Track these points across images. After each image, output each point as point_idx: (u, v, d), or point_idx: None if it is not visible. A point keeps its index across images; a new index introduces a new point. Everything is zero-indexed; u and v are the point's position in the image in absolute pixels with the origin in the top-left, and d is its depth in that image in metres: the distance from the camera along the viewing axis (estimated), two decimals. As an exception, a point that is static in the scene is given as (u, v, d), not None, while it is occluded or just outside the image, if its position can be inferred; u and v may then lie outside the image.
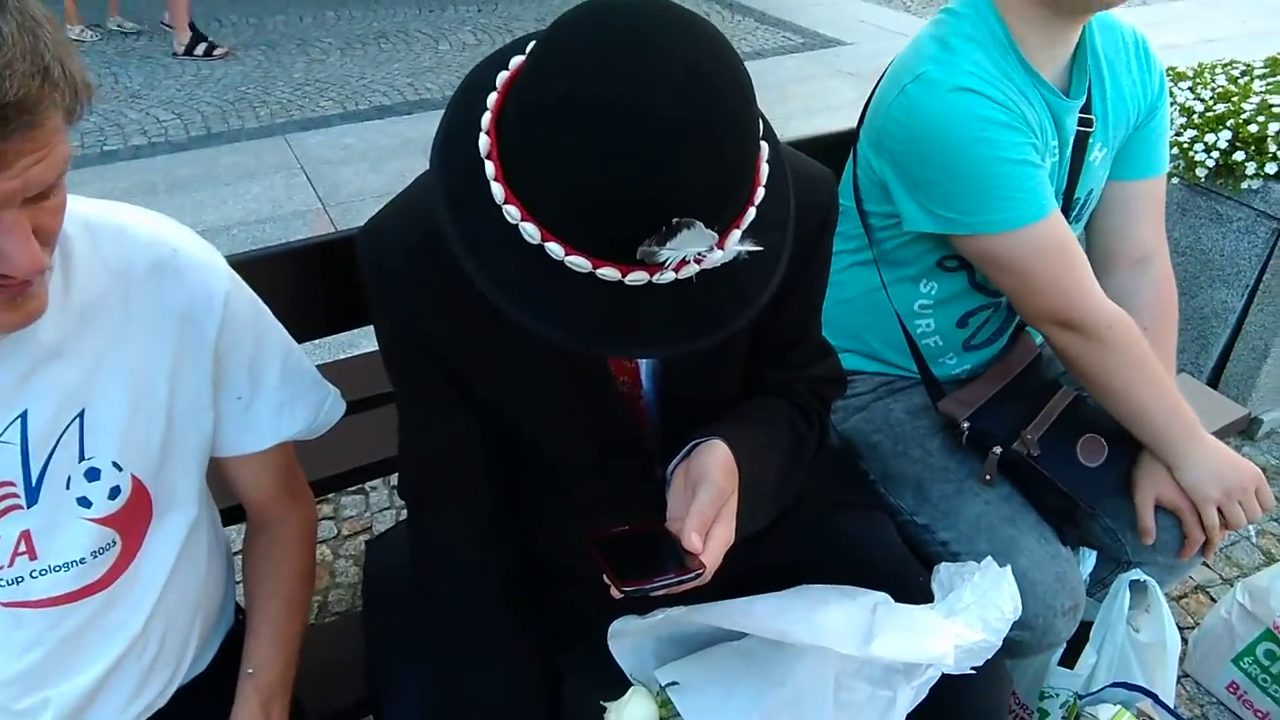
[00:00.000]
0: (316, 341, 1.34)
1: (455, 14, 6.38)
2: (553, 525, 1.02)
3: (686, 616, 0.92)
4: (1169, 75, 2.33)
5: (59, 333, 0.79)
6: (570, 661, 1.02)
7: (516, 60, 0.70)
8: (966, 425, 1.30)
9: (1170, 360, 1.35)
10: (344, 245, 1.23)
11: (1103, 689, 1.37)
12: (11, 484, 0.80)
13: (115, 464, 0.84)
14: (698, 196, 0.62)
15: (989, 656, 0.91)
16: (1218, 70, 2.47)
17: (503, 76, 0.69)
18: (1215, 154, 2.19)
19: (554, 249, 0.64)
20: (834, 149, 1.39)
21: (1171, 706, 1.35)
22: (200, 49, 5.28)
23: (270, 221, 3.60)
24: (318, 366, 1.05)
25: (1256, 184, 2.16)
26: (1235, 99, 2.25)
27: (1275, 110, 2.16)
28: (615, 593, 0.75)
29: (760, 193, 0.68)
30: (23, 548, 0.82)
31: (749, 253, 0.66)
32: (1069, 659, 1.39)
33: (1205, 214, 2.31)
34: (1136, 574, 1.32)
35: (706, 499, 0.80)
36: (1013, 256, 1.18)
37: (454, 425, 0.92)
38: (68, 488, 0.82)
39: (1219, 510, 1.23)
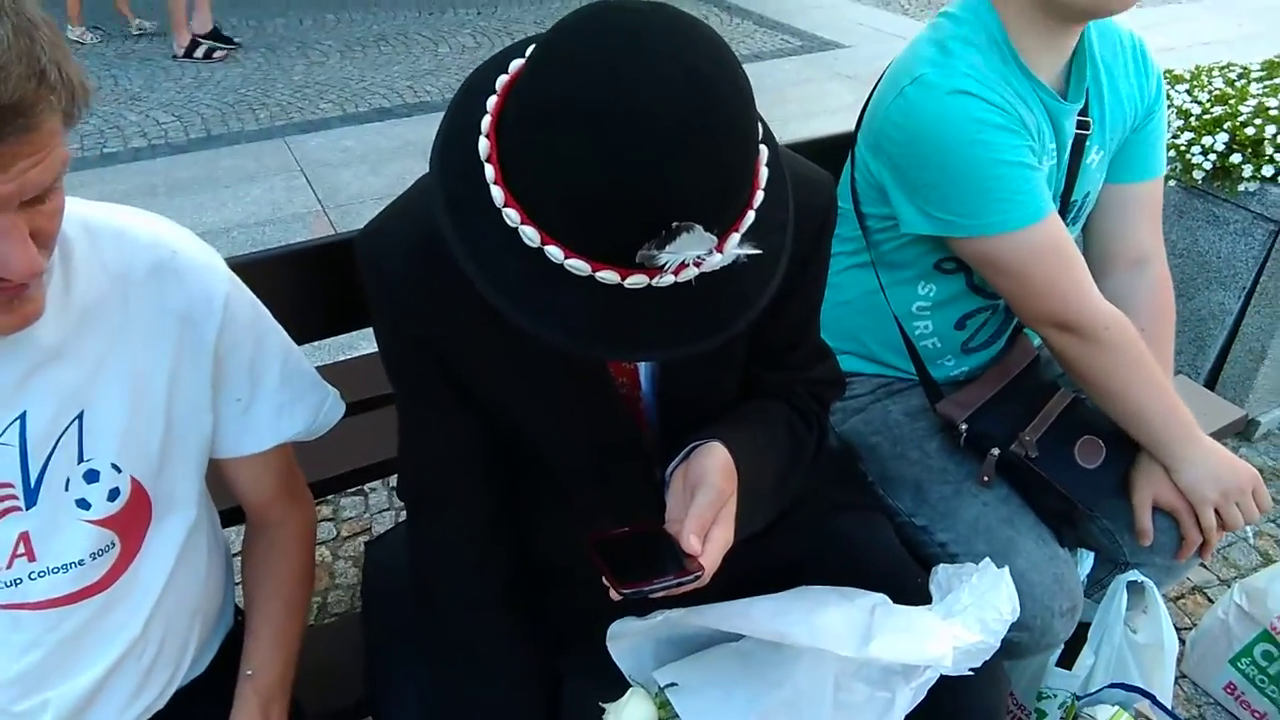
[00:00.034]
0: (316, 343, 1.34)
1: (455, 17, 6.38)
2: (552, 527, 1.02)
3: (685, 618, 0.92)
4: (1166, 78, 2.34)
5: (59, 334, 0.79)
6: (569, 663, 1.02)
7: (516, 64, 0.70)
8: (965, 427, 1.30)
9: (1168, 362, 1.35)
10: (344, 247, 1.23)
11: (1100, 690, 1.37)
12: (10, 486, 0.80)
13: (114, 466, 0.84)
14: (697, 200, 0.62)
15: (987, 658, 0.91)
16: (1215, 73, 2.48)
17: (502, 80, 0.69)
18: (1212, 156, 2.19)
19: (554, 252, 0.64)
20: (832, 152, 1.39)
21: (1169, 707, 1.35)
22: (200, 51, 5.27)
23: (270, 224, 3.60)
24: (317, 368, 1.05)
25: (1253, 186, 2.17)
26: (1232, 102, 2.25)
27: (1272, 113, 2.16)
28: (614, 594, 0.75)
29: (759, 196, 0.68)
30: (21, 549, 0.82)
31: (748, 256, 0.66)
32: (1067, 660, 1.39)
33: (1202, 216, 2.31)
34: (1134, 575, 1.32)
35: (705, 501, 0.80)
36: (1010, 258, 1.18)
37: (453, 427, 0.92)
38: (67, 489, 0.82)
39: (1216, 511, 1.23)
